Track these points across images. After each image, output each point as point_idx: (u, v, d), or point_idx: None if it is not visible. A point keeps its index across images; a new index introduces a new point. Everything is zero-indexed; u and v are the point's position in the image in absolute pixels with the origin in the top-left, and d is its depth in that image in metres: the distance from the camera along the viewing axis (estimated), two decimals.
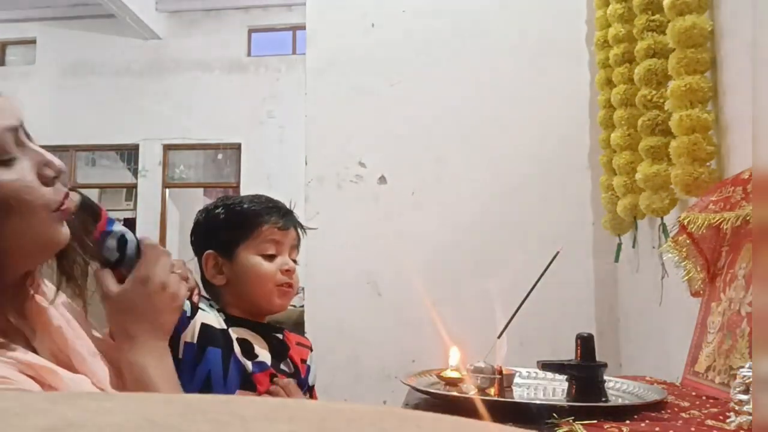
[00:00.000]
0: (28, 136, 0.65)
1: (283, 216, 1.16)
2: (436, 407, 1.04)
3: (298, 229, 1.19)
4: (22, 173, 0.61)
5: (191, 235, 1.21)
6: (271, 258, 1.13)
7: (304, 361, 1.20)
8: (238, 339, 1.09)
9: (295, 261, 1.18)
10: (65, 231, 0.65)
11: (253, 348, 1.10)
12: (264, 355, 1.11)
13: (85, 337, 0.72)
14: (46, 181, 0.63)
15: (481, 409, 0.89)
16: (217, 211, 1.18)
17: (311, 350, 1.25)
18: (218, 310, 1.12)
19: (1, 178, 0.59)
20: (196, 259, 1.18)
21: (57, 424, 0.18)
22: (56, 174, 0.64)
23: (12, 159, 0.61)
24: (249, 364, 1.06)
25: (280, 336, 1.18)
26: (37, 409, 0.19)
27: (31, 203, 0.61)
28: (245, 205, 1.15)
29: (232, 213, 1.16)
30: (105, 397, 0.22)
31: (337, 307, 2.29)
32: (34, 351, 0.66)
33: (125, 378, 0.75)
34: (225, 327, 1.07)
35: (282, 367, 1.14)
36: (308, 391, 1.20)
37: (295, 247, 1.18)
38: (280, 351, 1.16)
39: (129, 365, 0.75)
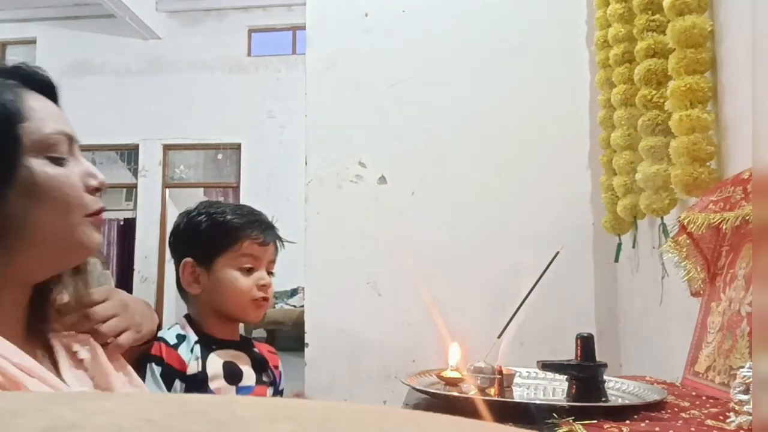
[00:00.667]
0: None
1: (264, 230, 1.16)
2: (436, 407, 1.04)
3: (277, 243, 1.20)
4: (70, 174, 0.66)
5: (170, 236, 1.21)
6: (248, 271, 1.14)
7: (276, 367, 1.23)
8: (224, 363, 1.11)
9: (271, 273, 1.19)
10: (98, 237, 0.68)
11: (240, 371, 1.12)
12: (248, 373, 1.13)
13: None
14: (89, 190, 0.67)
15: (481, 409, 0.89)
16: (199, 218, 1.17)
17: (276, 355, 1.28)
18: (197, 338, 1.13)
19: (51, 172, 0.63)
20: (173, 261, 1.19)
21: (57, 424, 0.18)
22: (98, 186, 0.68)
23: (63, 160, 0.66)
24: (233, 391, 1.07)
25: (256, 349, 1.21)
26: (37, 409, 0.19)
27: (71, 202, 0.65)
28: (228, 216, 1.15)
29: (213, 223, 1.15)
30: (104, 397, 0.22)
31: (337, 307, 2.29)
32: (53, 359, 0.67)
33: None
34: (196, 370, 1.08)
35: (264, 378, 1.17)
36: (280, 395, 1.22)
37: (273, 261, 1.20)
38: (261, 363, 1.18)
39: None
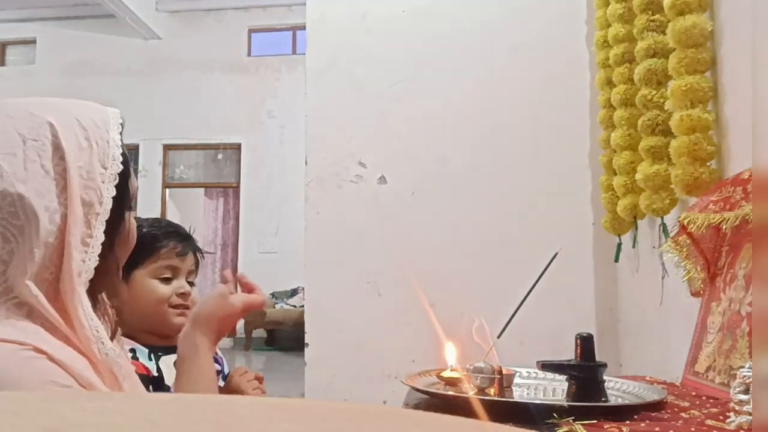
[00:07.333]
0: None
1: (182, 241, 1.20)
2: (436, 407, 1.04)
3: (197, 254, 1.24)
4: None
5: None
6: (167, 281, 1.17)
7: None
8: (175, 362, 1.11)
9: (192, 284, 1.22)
10: None
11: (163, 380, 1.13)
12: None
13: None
14: None
15: (481, 409, 0.89)
16: None
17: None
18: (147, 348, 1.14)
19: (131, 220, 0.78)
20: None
21: (57, 424, 0.18)
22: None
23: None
24: None
25: None
26: (37, 409, 0.19)
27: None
28: (144, 230, 1.16)
29: None
30: (105, 397, 0.22)
31: (337, 307, 2.29)
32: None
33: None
34: (155, 374, 1.11)
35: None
36: (224, 379, 1.24)
37: (193, 271, 1.23)
38: None
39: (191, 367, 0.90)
